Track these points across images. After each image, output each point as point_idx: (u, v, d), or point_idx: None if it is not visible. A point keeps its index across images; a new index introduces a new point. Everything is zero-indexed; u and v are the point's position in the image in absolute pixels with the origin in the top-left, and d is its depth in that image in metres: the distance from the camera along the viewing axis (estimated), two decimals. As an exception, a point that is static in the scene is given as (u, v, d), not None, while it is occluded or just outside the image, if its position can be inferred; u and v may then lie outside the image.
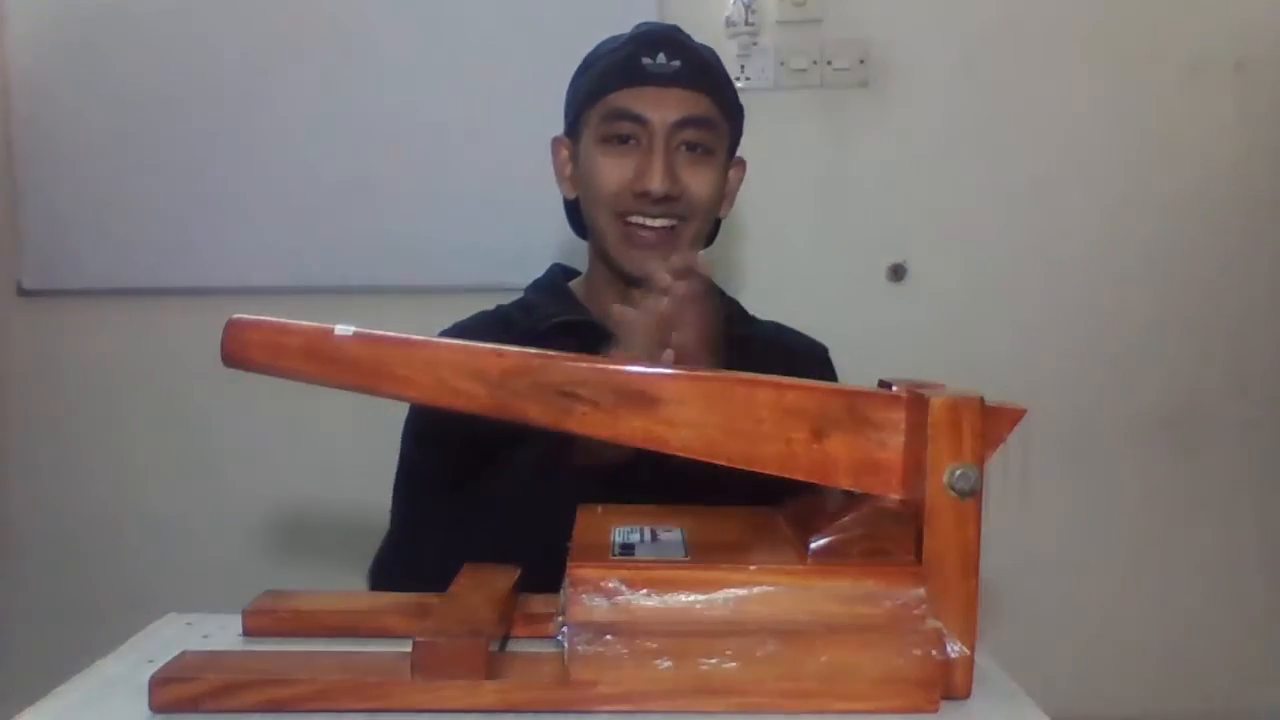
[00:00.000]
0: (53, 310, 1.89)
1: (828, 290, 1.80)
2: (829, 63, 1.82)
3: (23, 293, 1.88)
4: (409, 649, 0.57)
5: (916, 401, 0.61)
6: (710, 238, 1.11)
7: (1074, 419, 1.84)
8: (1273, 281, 1.86)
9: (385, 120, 1.81)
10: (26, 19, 1.83)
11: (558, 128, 1.08)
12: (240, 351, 0.65)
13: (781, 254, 1.82)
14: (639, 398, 0.63)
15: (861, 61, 1.82)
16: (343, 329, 0.65)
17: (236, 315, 0.66)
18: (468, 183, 1.82)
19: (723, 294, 1.12)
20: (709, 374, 0.64)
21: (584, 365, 0.64)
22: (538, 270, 1.16)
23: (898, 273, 1.86)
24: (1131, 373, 1.86)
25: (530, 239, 1.74)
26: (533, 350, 0.65)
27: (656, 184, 0.96)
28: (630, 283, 1.01)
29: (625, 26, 1.04)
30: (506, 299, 1.13)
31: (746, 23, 1.79)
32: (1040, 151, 1.84)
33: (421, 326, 0.66)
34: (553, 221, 1.16)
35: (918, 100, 1.83)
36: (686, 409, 0.63)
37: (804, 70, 1.81)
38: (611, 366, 0.64)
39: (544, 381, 0.63)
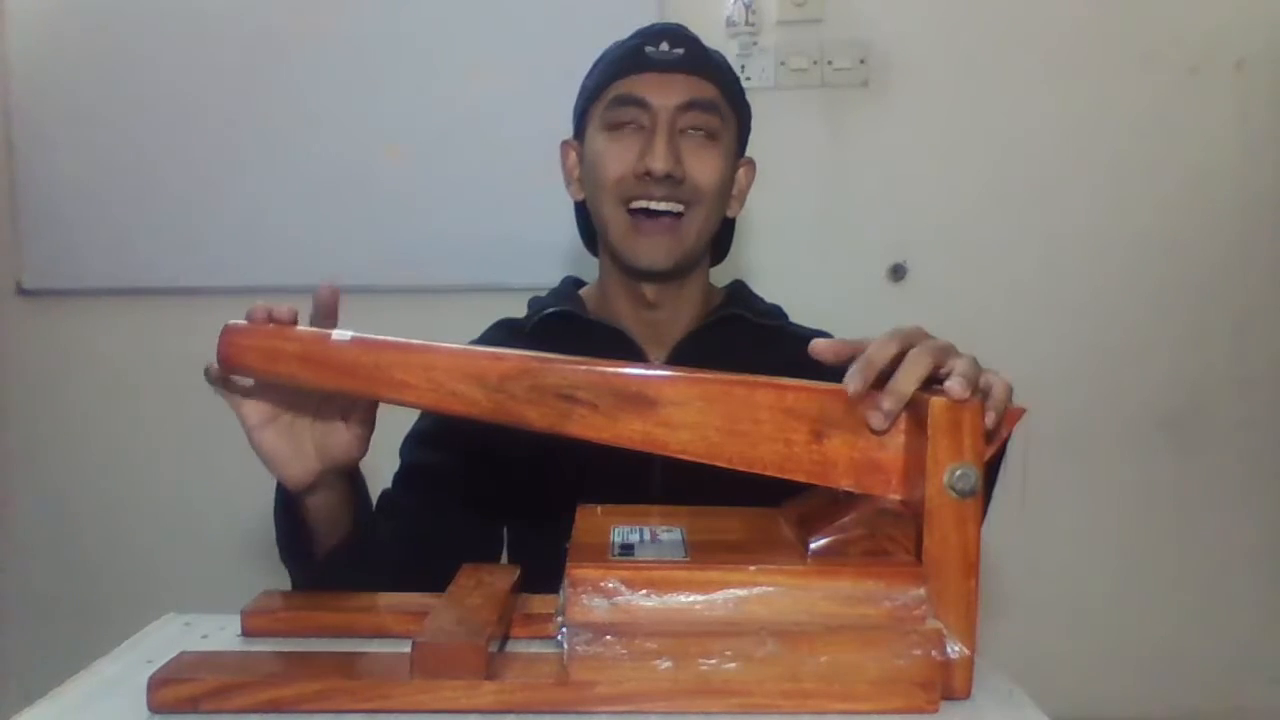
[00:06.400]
0: (53, 310, 1.89)
1: (828, 290, 1.79)
2: (829, 63, 1.81)
3: (23, 293, 1.88)
4: (408, 649, 0.57)
5: (916, 402, 0.61)
6: (724, 243, 1.10)
7: (1073, 419, 1.84)
8: (1272, 281, 1.86)
9: (386, 120, 1.81)
10: (27, 18, 1.83)
11: (559, 126, 1.08)
12: (236, 357, 0.66)
13: (781, 254, 1.82)
14: (638, 400, 0.62)
15: (861, 61, 1.82)
16: (340, 334, 0.65)
17: (232, 321, 0.66)
18: (468, 183, 1.81)
19: (762, 300, 1.11)
20: (708, 375, 0.64)
21: (582, 368, 0.63)
22: (537, 270, 1.16)
23: (898, 273, 1.86)
24: (1131, 372, 1.86)
25: (531, 239, 1.74)
26: (531, 353, 0.65)
27: (659, 162, 0.94)
28: (637, 277, 1.01)
29: (626, 27, 1.04)
30: (504, 298, 1.13)
31: (747, 23, 1.79)
32: (1040, 151, 1.84)
33: (421, 327, 0.66)
34: (554, 221, 1.16)
35: (918, 100, 1.83)
36: (685, 411, 0.63)
37: (804, 70, 1.81)
38: (610, 369, 0.63)
39: (542, 384, 0.63)
